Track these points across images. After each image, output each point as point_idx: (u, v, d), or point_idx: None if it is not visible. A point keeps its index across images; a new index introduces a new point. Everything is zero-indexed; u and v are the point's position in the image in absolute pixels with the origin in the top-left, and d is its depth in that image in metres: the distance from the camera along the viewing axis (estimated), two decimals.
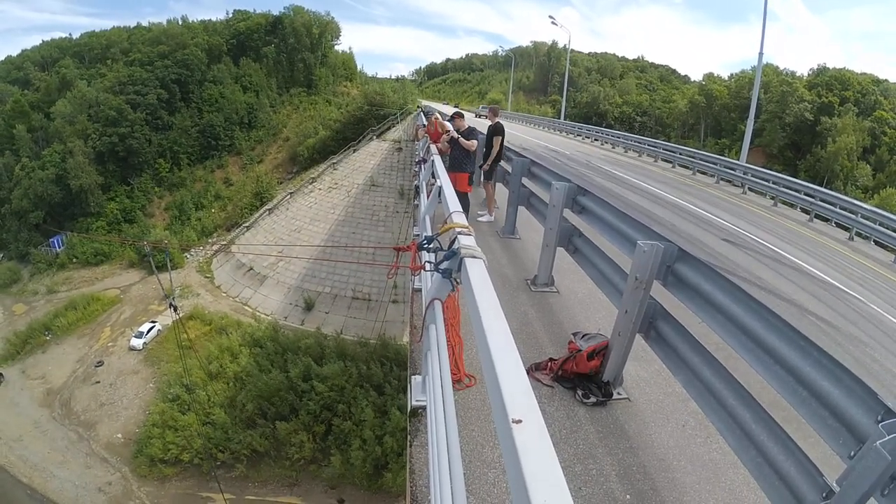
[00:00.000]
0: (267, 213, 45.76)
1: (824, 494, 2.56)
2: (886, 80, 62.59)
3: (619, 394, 4.77)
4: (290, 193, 46.12)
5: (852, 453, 2.50)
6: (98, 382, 33.22)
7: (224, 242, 45.19)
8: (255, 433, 26.57)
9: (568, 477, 3.65)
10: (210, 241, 47.49)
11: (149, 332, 36.11)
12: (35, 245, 48.86)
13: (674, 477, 3.91)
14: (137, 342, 35.37)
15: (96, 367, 34.49)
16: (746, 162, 24.11)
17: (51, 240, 48.71)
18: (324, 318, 35.52)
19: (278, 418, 26.92)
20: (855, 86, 60.09)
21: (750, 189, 22.08)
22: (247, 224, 46.27)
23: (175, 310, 23.00)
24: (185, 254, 45.14)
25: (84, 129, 52.07)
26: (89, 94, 53.97)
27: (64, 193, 49.48)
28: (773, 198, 20.59)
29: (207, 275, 42.60)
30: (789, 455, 2.87)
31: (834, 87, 59.80)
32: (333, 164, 46.03)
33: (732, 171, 23.14)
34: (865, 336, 8.57)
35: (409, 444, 3.99)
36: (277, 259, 39.78)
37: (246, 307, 38.14)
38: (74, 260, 47.19)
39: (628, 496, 3.63)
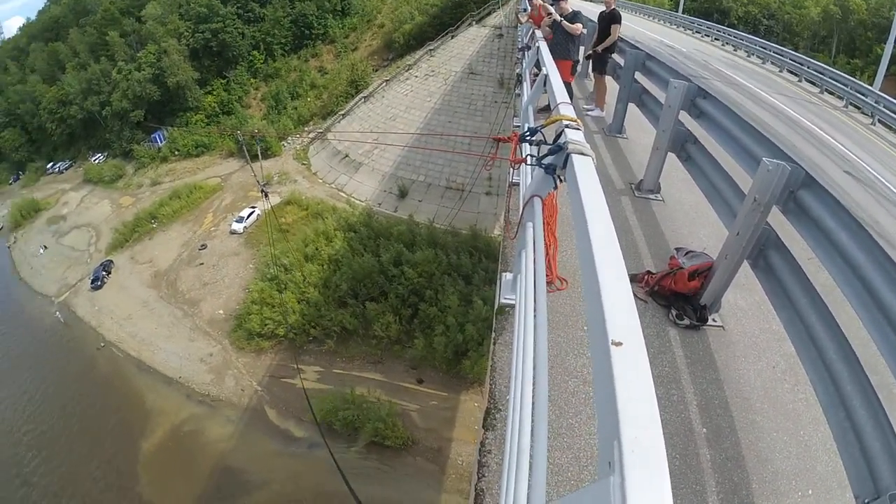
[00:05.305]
0: (362, 100, 43.70)
1: None
2: None
3: (713, 320, 4.22)
4: (386, 81, 43.62)
5: None
6: (202, 264, 34.06)
7: (320, 130, 43.88)
8: (346, 312, 27.18)
9: None
10: (306, 129, 46.44)
11: (248, 216, 36.49)
12: (137, 142, 50.26)
13: (753, 419, 3.46)
14: (238, 226, 35.93)
15: (200, 250, 35.27)
16: (880, 90, 20.28)
17: (152, 135, 49.93)
18: (416, 206, 34.24)
19: (368, 299, 27.21)
20: None
21: (880, 121, 18.76)
22: (342, 112, 44.41)
23: (266, 196, 22.34)
24: (283, 142, 44.63)
25: (176, 28, 51.74)
26: None
27: (162, 91, 49.87)
28: None
29: (304, 162, 42.04)
30: (878, 428, 2.44)
31: None
32: (430, 50, 42.73)
33: (863, 97, 19.55)
34: None
35: (493, 341, 3.93)
36: (373, 146, 38.35)
37: (341, 193, 37.33)
38: (176, 153, 48.18)
39: (705, 430, 3.31)
